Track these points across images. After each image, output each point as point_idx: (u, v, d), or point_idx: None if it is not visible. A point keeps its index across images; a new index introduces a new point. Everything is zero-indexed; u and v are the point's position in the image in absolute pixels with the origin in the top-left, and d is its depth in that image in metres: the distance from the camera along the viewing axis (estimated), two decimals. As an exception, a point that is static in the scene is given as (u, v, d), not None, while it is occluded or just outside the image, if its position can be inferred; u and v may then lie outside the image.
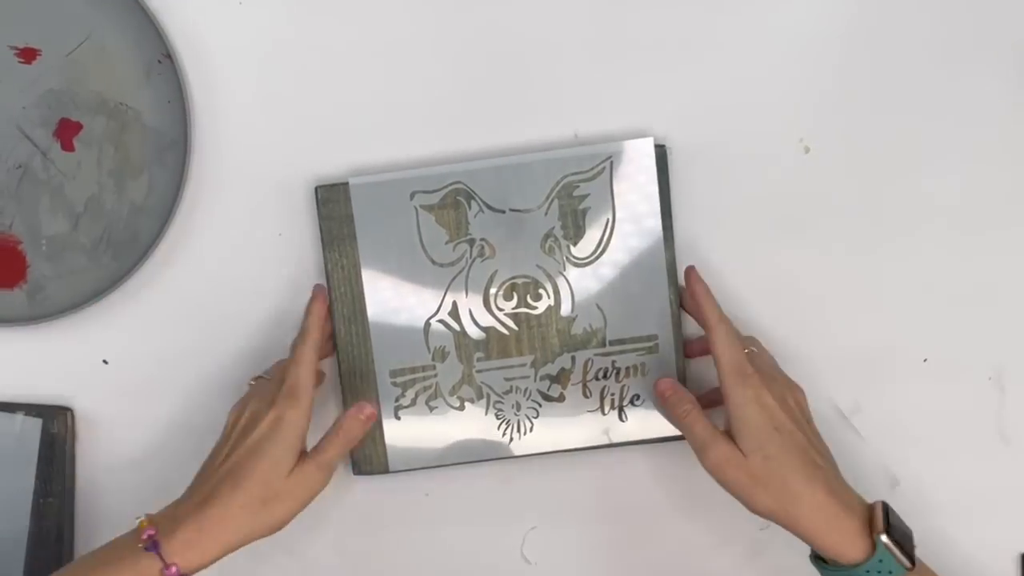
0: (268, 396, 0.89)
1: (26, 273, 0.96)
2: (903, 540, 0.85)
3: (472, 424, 0.97)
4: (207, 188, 0.96)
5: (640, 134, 0.96)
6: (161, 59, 0.94)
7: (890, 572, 0.84)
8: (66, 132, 0.94)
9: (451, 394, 0.97)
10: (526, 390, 0.97)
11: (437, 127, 0.96)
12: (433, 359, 0.97)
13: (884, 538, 0.84)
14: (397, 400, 0.97)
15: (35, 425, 0.96)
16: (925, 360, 0.99)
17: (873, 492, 0.96)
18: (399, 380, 0.97)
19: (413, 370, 0.97)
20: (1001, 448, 0.99)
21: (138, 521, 0.85)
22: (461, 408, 0.97)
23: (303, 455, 0.88)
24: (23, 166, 0.94)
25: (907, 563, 0.85)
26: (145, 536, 0.83)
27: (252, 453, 0.86)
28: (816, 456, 0.87)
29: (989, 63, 0.97)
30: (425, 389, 0.97)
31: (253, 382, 0.93)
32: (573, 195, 0.96)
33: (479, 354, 0.97)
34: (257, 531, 0.86)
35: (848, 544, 0.85)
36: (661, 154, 0.96)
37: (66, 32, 0.94)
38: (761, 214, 0.98)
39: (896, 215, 0.98)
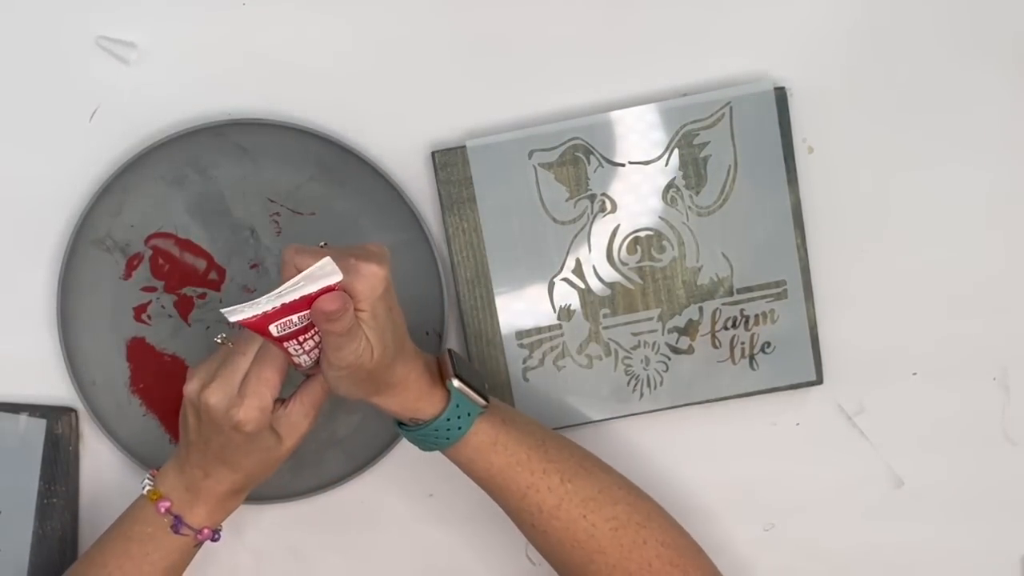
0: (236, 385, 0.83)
1: None
2: (473, 380, 0.86)
3: (601, 382, 0.96)
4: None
5: (758, 77, 0.94)
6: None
7: (468, 414, 0.85)
8: None
9: (579, 352, 0.96)
10: (654, 344, 0.96)
11: (551, 83, 0.95)
12: (559, 318, 0.96)
13: (455, 383, 0.85)
14: (524, 361, 0.96)
15: (39, 426, 0.96)
16: (929, 360, 0.98)
17: (877, 492, 0.99)
18: (526, 341, 0.96)
19: (539, 330, 0.96)
20: (1006, 449, 0.99)
21: (147, 491, 0.88)
22: (589, 366, 0.96)
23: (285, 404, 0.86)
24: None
25: (481, 401, 0.86)
26: (163, 511, 0.87)
27: (239, 448, 0.85)
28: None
29: (995, 60, 0.96)
30: (552, 349, 0.96)
31: (219, 342, 0.85)
32: (693, 143, 0.94)
33: (605, 310, 0.96)
34: (267, 478, 0.89)
35: (425, 400, 0.85)
36: (781, 96, 0.94)
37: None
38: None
39: (900, 212, 0.97)
